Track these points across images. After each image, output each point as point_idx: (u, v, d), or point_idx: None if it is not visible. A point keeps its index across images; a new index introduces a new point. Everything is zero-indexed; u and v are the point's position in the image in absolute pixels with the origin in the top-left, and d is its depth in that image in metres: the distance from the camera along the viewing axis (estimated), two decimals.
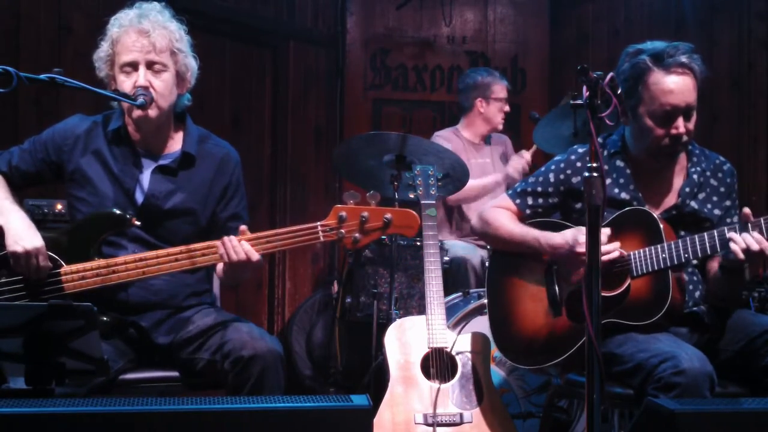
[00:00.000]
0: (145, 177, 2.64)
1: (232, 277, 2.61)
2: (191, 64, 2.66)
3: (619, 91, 2.12)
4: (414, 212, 2.46)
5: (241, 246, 2.43)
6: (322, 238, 2.42)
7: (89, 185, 2.62)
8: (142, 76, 2.53)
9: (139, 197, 2.63)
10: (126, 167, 2.64)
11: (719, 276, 2.58)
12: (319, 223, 2.43)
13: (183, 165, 2.67)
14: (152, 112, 2.56)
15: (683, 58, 2.52)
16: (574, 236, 2.59)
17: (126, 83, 2.55)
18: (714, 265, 2.65)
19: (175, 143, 2.71)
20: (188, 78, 2.66)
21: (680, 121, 2.55)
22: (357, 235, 2.41)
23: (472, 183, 4.14)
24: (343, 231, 2.40)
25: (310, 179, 5.47)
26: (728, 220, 2.69)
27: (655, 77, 2.53)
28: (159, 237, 2.62)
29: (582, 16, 5.82)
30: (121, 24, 2.57)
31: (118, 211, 2.53)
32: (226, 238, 2.44)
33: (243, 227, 2.48)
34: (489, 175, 4.51)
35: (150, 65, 2.55)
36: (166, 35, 2.57)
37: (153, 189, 2.63)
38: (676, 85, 2.52)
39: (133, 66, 2.55)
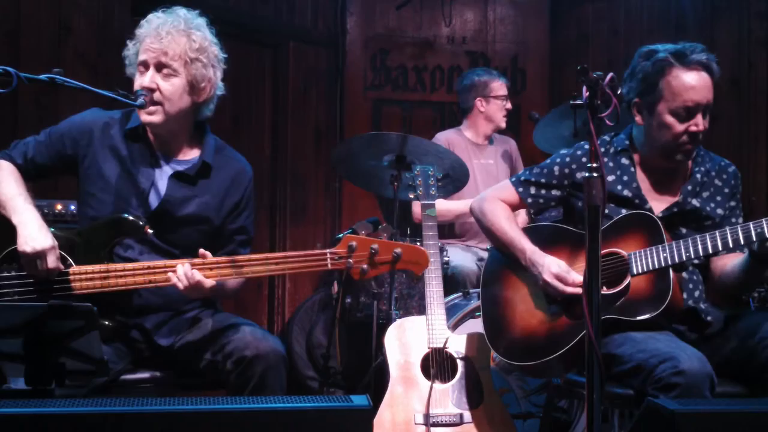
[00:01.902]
0: (162, 181, 2.65)
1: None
2: (209, 74, 2.63)
3: (619, 91, 2.13)
4: (424, 250, 2.44)
5: (192, 275, 2.39)
6: (330, 266, 2.41)
7: (102, 181, 2.62)
8: (148, 77, 2.55)
9: (154, 200, 2.63)
10: (142, 167, 2.64)
11: (743, 266, 2.56)
12: (328, 250, 2.42)
13: (200, 174, 2.68)
14: (158, 117, 2.57)
15: (703, 57, 2.58)
16: (554, 273, 2.61)
17: (137, 81, 2.59)
18: (723, 262, 2.66)
19: (192, 150, 2.72)
20: (204, 88, 2.63)
21: (699, 118, 2.59)
22: (365, 266, 2.40)
23: (449, 205, 4.15)
24: (351, 261, 2.39)
25: (310, 179, 5.47)
26: (733, 220, 2.70)
27: (677, 73, 2.56)
28: (167, 241, 2.63)
29: (582, 16, 5.82)
30: (148, 25, 2.60)
31: (131, 218, 2.52)
32: (179, 269, 2.40)
33: (203, 251, 2.45)
34: (491, 176, 4.50)
35: (159, 68, 2.56)
36: (182, 42, 2.57)
37: (170, 194, 2.63)
38: (697, 82, 2.57)
39: (145, 66, 2.57)
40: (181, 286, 2.40)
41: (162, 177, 2.65)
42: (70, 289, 2.44)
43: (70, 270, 2.46)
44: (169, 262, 2.45)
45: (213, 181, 2.69)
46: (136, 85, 2.57)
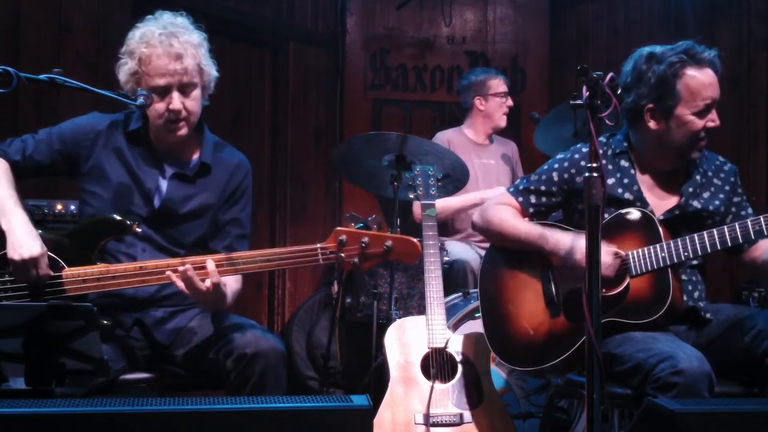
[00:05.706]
0: (165, 181, 2.66)
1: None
2: (213, 73, 2.67)
3: (619, 91, 2.13)
4: (415, 240, 2.41)
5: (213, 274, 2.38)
6: (321, 261, 2.40)
7: (105, 181, 2.63)
8: (176, 100, 2.56)
9: (157, 200, 2.65)
10: (147, 168, 2.66)
11: None
12: (318, 245, 2.41)
13: (200, 173, 2.69)
14: (185, 131, 2.61)
15: (711, 54, 2.59)
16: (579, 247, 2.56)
17: (158, 106, 2.54)
18: (758, 254, 2.67)
19: (192, 149, 2.72)
20: (211, 87, 2.69)
21: (714, 114, 2.60)
22: (356, 260, 2.38)
23: (448, 202, 4.13)
24: (342, 255, 2.38)
25: (310, 179, 5.47)
26: (743, 213, 2.70)
27: (693, 73, 2.57)
28: (169, 238, 2.64)
29: (582, 16, 5.82)
30: (148, 42, 2.54)
31: (118, 217, 2.51)
32: (187, 268, 2.37)
33: (211, 264, 2.41)
34: (491, 176, 4.50)
35: (182, 89, 2.57)
36: (196, 55, 2.58)
37: (171, 194, 2.65)
38: (711, 79, 2.58)
39: (166, 90, 2.55)
40: (180, 284, 2.38)
41: (165, 177, 2.67)
42: (63, 292, 2.43)
43: (63, 273, 2.44)
44: (160, 263, 2.44)
45: (212, 178, 2.71)
46: (159, 109, 2.54)
